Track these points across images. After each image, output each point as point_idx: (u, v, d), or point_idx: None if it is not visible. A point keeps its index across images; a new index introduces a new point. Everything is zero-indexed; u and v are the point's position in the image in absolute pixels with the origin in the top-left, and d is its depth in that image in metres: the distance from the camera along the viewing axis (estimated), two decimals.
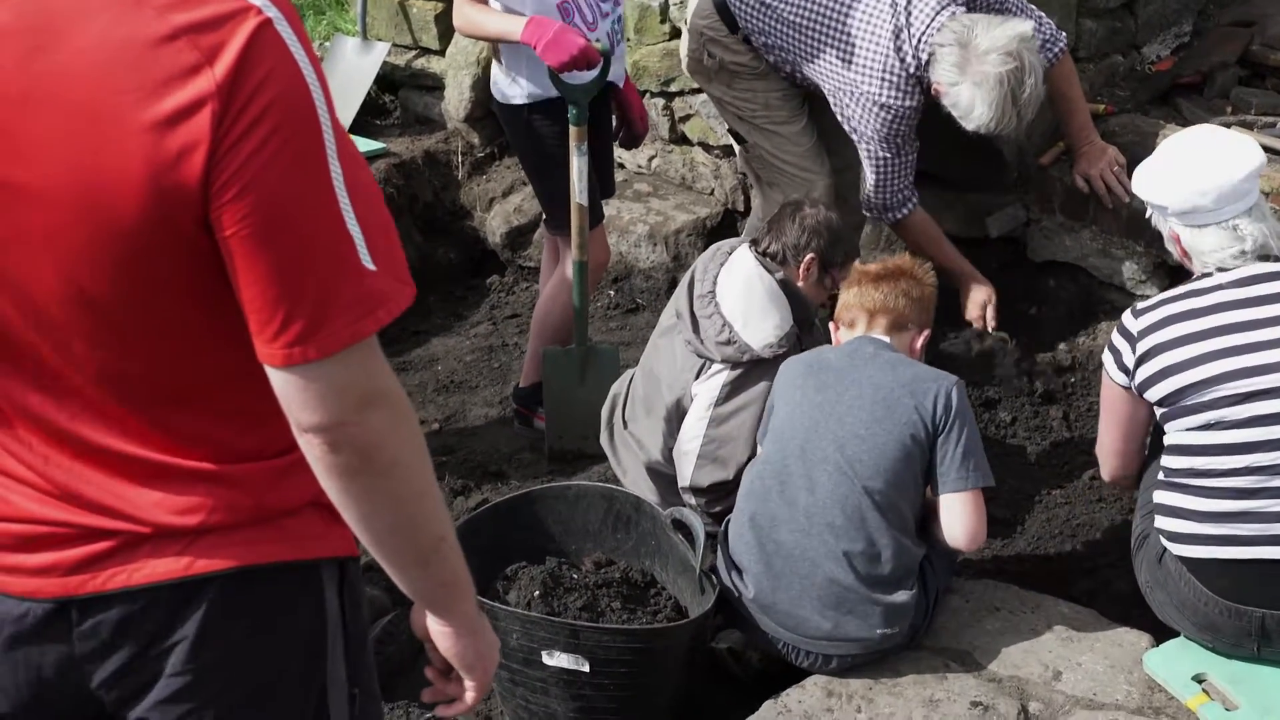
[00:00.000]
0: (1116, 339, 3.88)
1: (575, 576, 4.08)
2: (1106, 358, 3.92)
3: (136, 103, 1.73)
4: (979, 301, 5.19)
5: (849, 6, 4.93)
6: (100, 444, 1.96)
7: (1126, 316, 3.88)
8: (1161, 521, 3.76)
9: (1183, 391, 3.67)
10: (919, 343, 4.17)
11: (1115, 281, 5.39)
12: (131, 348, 1.89)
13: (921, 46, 4.79)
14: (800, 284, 4.49)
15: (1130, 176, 5.05)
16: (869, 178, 5.14)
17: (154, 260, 1.81)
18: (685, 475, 4.44)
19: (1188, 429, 3.69)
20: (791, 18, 5.03)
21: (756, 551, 3.97)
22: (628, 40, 6.42)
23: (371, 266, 1.85)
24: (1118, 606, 4.15)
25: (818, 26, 4.99)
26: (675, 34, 6.30)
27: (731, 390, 4.38)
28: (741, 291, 4.43)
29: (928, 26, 4.77)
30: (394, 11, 7.35)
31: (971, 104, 4.69)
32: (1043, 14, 5.05)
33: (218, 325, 1.88)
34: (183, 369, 1.93)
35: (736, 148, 5.77)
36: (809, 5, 5.00)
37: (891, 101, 4.90)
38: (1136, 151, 5.30)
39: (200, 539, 1.99)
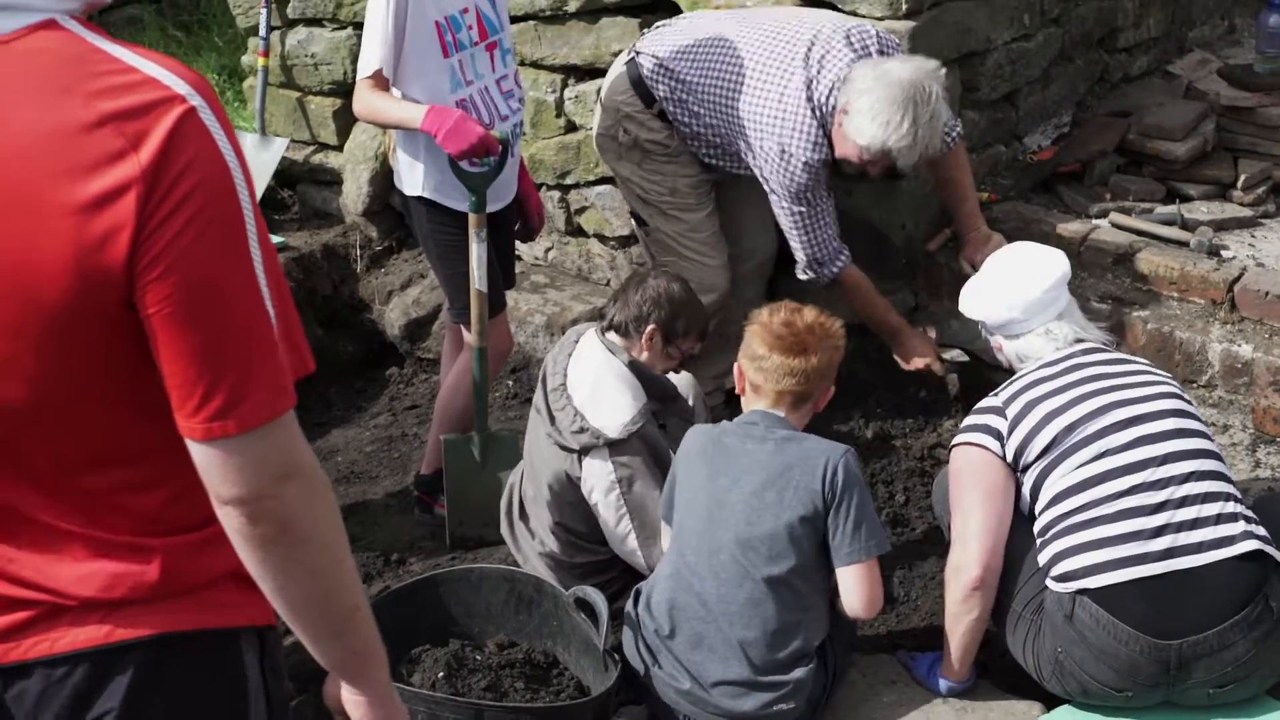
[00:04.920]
0: (978, 418, 4.12)
1: (479, 658, 4.11)
2: (969, 436, 4.08)
3: (63, 187, 1.79)
4: (925, 350, 5.28)
5: (759, 62, 5.07)
6: (27, 516, 2.00)
7: (985, 400, 4.18)
8: (1064, 566, 3.85)
9: (1072, 428, 3.92)
10: (823, 402, 4.22)
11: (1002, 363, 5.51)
12: (56, 421, 1.94)
13: (832, 96, 4.91)
14: (645, 355, 4.58)
15: None
16: (793, 236, 5.20)
17: (78, 336, 1.86)
18: (643, 565, 4.48)
19: (1079, 465, 3.89)
20: (699, 79, 5.17)
21: (664, 631, 4.05)
22: (524, 135, 6.52)
23: (281, 346, 1.94)
24: (1010, 678, 4.22)
25: (727, 84, 5.11)
26: (571, 128, 6.40)
27: (624, 481, 4.43)
28: (591, 380, 4.52)
29: (840, 75, 4.90)
30: (292, 108, 7.41)
31: (872, 108, 4.77)
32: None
33: (140, 399, 1.94)
34: (106, 441, 1.98)
35: (637, 230, 5.85)
36: (717, 66, 5.13)
37: (798, 151, 4.98)
38: (1020, 237, 5.46)
39: (121, 609, 2.03)
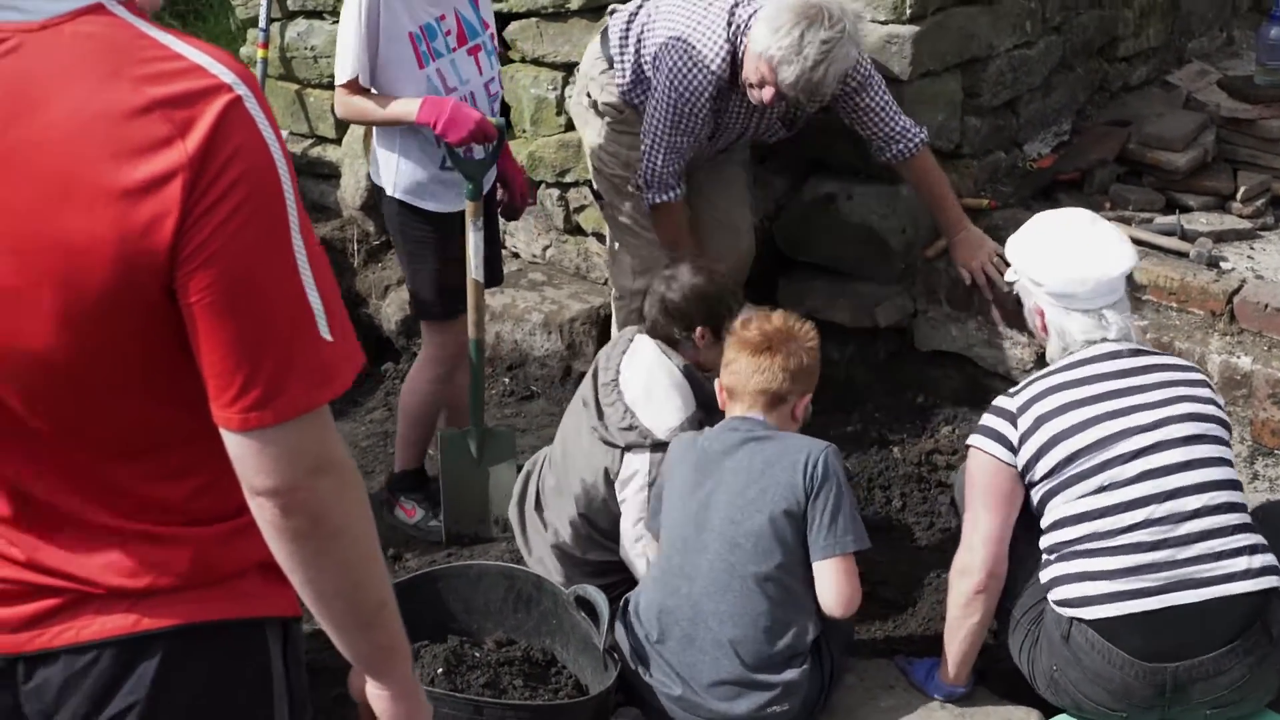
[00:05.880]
0: (993, 420, 4.01)
1: (477, 655, 4.11)
2: (981, 440, 4.00)
3: (109, 171, 1.78)
4: None
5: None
6: (56, 505, 2.00)
7: (999, 400, 4.05)
8: (1063, 591, 3.83)
9: (1074, 458, 3.82)
10: (800, 409, 4.23)
11: (1000, 370, 5.53)
12: (90, 406, 1.94)
13: (752, 19, 4.91)
14: (701, 353, 4.55)
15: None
16: (645, 151, 5.21)
17: (117, 322, 1.86)
18: (641, 573, 4.46)
19: (1080, 496, 3.82)
20: (647, 12, 5.27)
21: (653, 637, 4.06)
22: (524, 132, 6.53)
23: (329, 337, 1.93)
24: (1006, 684, 4.24)
25: (666, 7, 5.18)
26: (571, 126, 6.40)
27: (658, 484, 4.39)
28: (644, 379, 4.51)
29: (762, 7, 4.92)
30: (291, 100, 7.41)
31: (769, 15, 4.78)
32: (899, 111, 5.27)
33: (175, 387, 1.93)
34: (139, 428, 1.98)
35: (597, 205, 5.86)
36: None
37: (700, 57, 4.99)
38: None
39: (149, 598, 2.03)
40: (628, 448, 4.44)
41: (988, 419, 4.05)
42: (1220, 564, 3.75)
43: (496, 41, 5.18)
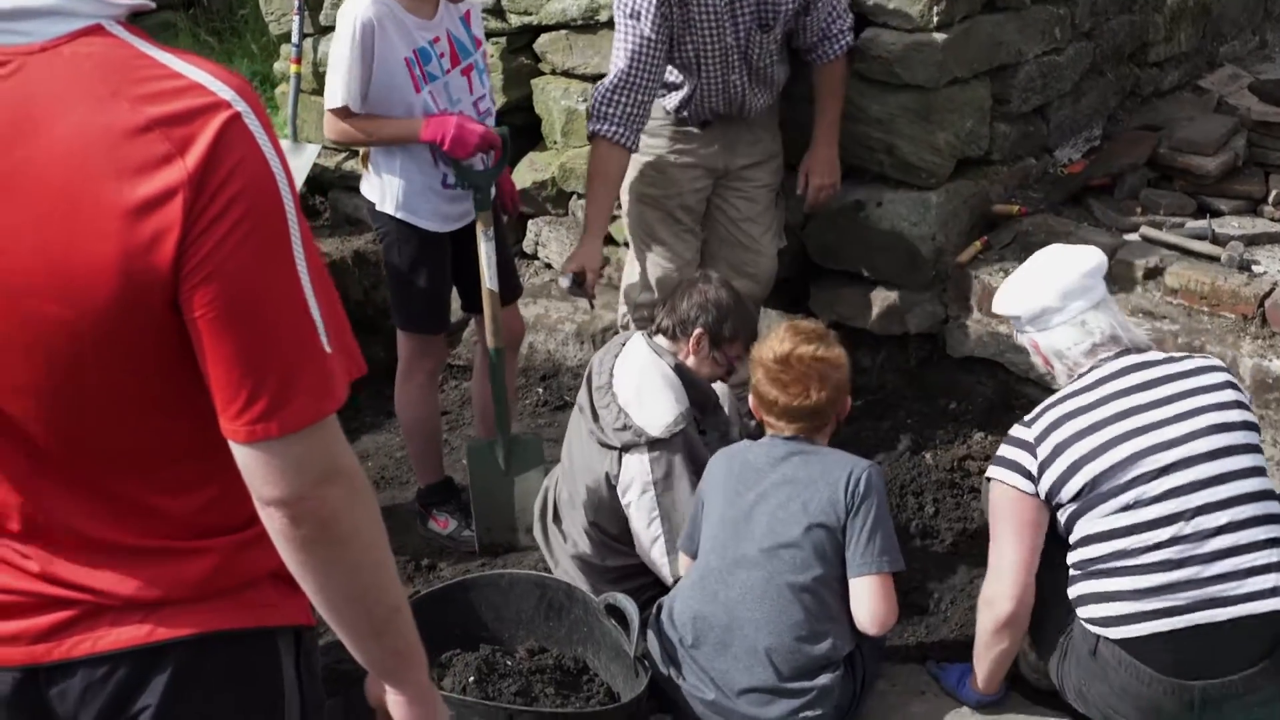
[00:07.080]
0: (1010, 451, 3.95)
1: (509, 663, 4.13)
2: (1000, 472, 3.94)
3: (111, 190, 1.81)
4: (576, 261, 5.22)
5: None
6: (69, 520, 2.03)
7: (1015, 429, 4.00)
8: (1090, 610, 3.80)
9: (1098, 480, 3.77)
10: (843, 414, 4.29)
11: (1031, 376, 5.51)
12: (100, 421, 1.96)
13: None
14: (692, 358, 4.61)
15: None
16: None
17: (123, 337, 1.88)
18: (666, 575, 4.50)
19: (1106, 515, 3.77)
20: None
21: (687, 641, 4.07)
22: (554, 143, 6.56)
23: (328, 349, 1.95)
24: (1038, 691, 4.23)
25: None
26: None
27: (660, 482, 4.44)
28: (636, 380, 4.55)
29: None
30: (324, 113, 7.43)
31: None
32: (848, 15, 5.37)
33: (183, 401, 1.96)
34: (149, 442, 2.00)
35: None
36: None
37: None
38: None
39: (162, 608, 2.06)
40: (624, 449, 4.47)
41: (1005, 450, 3.99)
42: (1246, 582, 3.69)
43: (487, 58, 5.19)
